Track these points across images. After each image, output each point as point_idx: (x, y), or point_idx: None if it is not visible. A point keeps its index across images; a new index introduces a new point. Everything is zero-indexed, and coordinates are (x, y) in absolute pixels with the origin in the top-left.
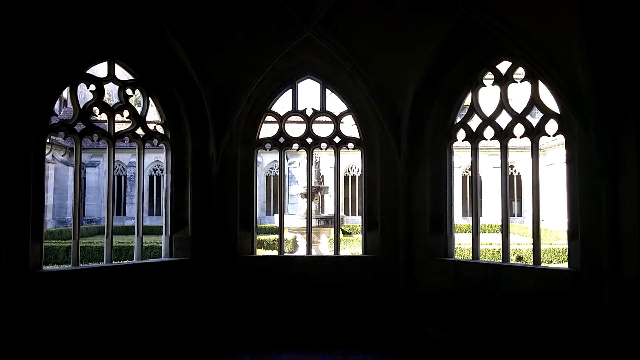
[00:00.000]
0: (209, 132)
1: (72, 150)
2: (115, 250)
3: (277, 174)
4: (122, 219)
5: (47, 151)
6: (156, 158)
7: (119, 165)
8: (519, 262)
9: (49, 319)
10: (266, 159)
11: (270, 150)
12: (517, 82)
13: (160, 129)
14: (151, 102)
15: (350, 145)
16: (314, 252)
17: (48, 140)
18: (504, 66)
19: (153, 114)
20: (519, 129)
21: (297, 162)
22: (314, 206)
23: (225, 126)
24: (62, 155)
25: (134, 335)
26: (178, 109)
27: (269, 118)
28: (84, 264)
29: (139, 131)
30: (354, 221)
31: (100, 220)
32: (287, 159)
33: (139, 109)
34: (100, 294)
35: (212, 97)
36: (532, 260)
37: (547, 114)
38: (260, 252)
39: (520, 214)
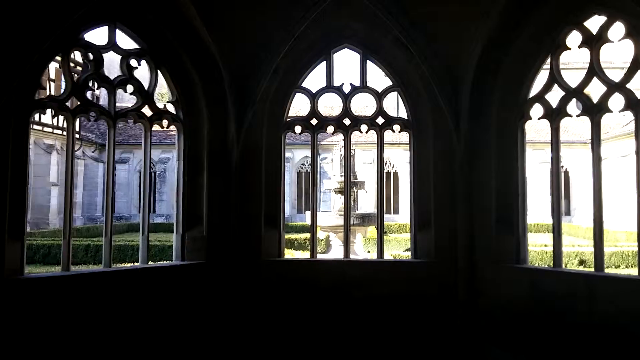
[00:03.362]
0: (228, 111)
1: (102, 147)
2: None
3: (309, 170)
4: (151, 216)
5: (76, 148)
6: None
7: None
8: (621, 273)
9: (31, 335)
10: (297, 155)
11: (300, 133)
12: (613, 42)
13: (171, 108)
14: (160, 75)
15: (396, 127)
16: (351, 255)
17: (77, 136)
18: (593, 23)
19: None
20: (616, 102)
21: (329, 158)
22: None
23: (247, 104)
24: (93, 152)
25: (136, 354)
26: (192, 83)
27: (298, 103)
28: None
29: (146, 110)
30: (389, 219)
31: (130, 217)
32: (319, 154)
33: (145, 84)
34: (96, 304)
35: (231, 68)
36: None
37: None
38: (289, 253)
39: (568, 213)
